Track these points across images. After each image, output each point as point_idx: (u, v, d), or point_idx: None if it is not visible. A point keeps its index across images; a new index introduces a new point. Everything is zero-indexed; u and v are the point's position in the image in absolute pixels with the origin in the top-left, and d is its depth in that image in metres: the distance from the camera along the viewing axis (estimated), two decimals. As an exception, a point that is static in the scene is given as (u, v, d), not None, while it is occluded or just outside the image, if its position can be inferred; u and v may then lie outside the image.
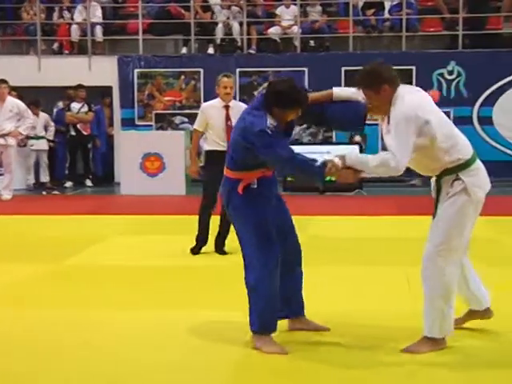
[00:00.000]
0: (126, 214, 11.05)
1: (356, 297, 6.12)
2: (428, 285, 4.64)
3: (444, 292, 4.60)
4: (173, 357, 4.70)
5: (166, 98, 15.05)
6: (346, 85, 14.22)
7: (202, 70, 14.92)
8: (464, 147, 4.66)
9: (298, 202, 12.07)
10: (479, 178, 4.64)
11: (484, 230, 8.69)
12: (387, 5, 15.53)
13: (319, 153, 13.15)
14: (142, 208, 11.54)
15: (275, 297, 4.78)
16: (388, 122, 4.58)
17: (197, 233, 8.01)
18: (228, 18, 15.63)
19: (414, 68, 14.30)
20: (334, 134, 14.19)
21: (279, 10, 15.52)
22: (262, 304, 4.73)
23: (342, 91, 5.02)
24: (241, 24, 15.39)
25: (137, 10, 15.53)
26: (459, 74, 14.34)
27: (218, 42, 15.57)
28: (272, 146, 4.60)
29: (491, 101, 14.25)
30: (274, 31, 15.40)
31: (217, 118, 7.84)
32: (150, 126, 14.93)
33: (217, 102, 7.94)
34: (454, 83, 14.36)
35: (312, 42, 15.37)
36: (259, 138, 4.59)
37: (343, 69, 14.41)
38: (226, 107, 7.87)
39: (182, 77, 15.02)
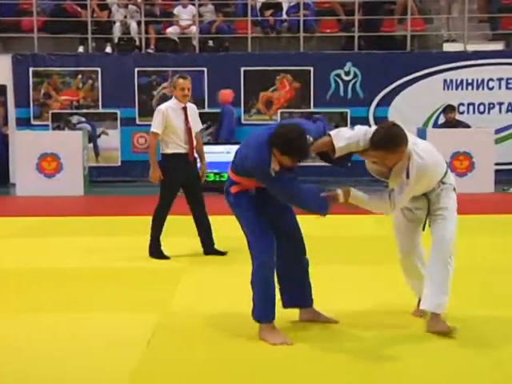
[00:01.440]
0: (21, 215, 10.78)
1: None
2: (445, 271, 5.01)
3: (450, 273, 5.07)
4: (70, 360, 4.63)
5: (63, 98, 14.76)
6: (245, 85, 14.37)
7: (99, 70, 14.70)
8: (442, 161, 5.13)
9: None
10: (453, 179, 5.21)
11: (376, 229, 8.90)
12: (285, 6, 15.67)
13: (219, 152, 13.18)
14: (39, 209, 11.29)
15: (270, 286, 4.97)
16: (407, 176, 4.84)
17: (151, 237, 7.73)
18: (125, 17, 15.46)
19: (311, 69, 14.49)
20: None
21: (177, 10, 15.45)
22: (258, 293, 4.96)
23: (342, 148, 4.97)
24: (139, 23, 15.25)
25: (31, 7, 15.15)
26: (355, 75, 14.61)
27: (116, 41, 15.38)
28: (277, 182, 4.82)
29: (387, 101, 14.57)
30: (172, 31, 15.32)
31: (177, 120, 7.64)
32: (47, 125, 14.60)
33: (174, 104, 7.72)
34: (350, 84, 14.61)
35: (211, 42, 15.36)
36: (264, 175, 4.81)
37: (242, 69, 14.48)
38: (184, 109, 7.71)
39: (79, 76, 14.76)
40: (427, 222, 5.18)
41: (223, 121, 13.70)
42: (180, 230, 9.03)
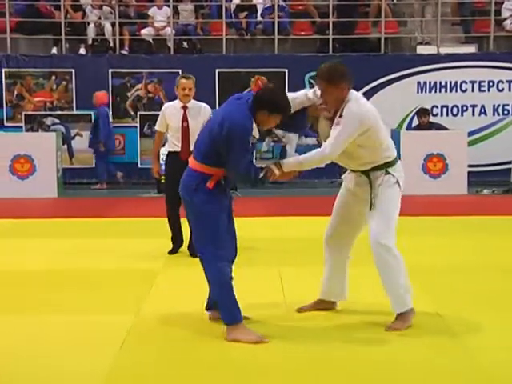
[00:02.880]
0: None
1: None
2: (386, 269, 5.12)
3: (401, 269, 5.13)
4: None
5: (36, 99, 14.66)
6: (220, 86, 14.33)
7: (73, 71, 14.61)
8: (392, 148, 5.25)
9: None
10: (401, 174, 5.27)
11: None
12: (259, 8, 15.69)
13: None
14: (12, 211, 11.19)
15: (232, 289, 4.96)
16: (340, 116, 5.02)
17: (171, 235, 7.97)
18: (100, 18, 15.40)
19: (286, 71, 14.51)
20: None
21: (151, 11, 15.41)
22: (226, 296, 4.94)
23: (292, 97, 5.19)
24: (113, 24, 15.19)
25: (4, 7, 15.04)
26: (330, 77, 14.62)
27: (90, 42, 15.31)
28: (242, 154, 4.82)
29: (361, 103, 14.60)
30: (146, 32, 15.28)
31: (174, 118, 7.84)
32: (20, 127, 14.50)
33: (176, 103, 7.95)
34: (325, 86, 14.63)
35: (185, 44, 15.34)
36: (240, 142, 4.79)
37: (217, 71, 14.47)
38: (184, 108, 7.85)
39: (53, 77, 14.67)
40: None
41: (99, 123, 13.86)
42: (154, 231, 9.03)
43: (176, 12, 15.47)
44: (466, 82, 14.70)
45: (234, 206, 5.26)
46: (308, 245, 8.38)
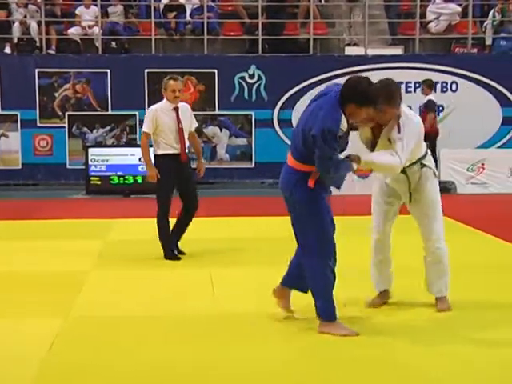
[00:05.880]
0: None
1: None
2: (442, 258, 5.57)
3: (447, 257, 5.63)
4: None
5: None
6: (149, 87, 14.19)
7: (-2, 70, 14.34)
8: (424, 144, 5.53)
9: (101, 204, 11.92)
10: (433, 163, 5.57)
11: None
12: (188, 8, 15.64)
13: (123, 155, 13.14)
14: None
15: (332, 285, 5.05)
16: (399, 131, 5.19)
17: (161, 241, 7.70)
18: (25, 17, 15.12)
19: (215, 71, 14.50)
20: (137, 136, 14.06)
21: (79, 10, 15.21)
22: (323, 292, 5.02)
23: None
24: (39, 23, 14.95)
25: None
26: (260, 78, 14.70)
27: (16, 41, 15.02)
28: (327, 153, 4.77)
29: (290, 104, 14.68)
30: (74, 31, 15.08)
31: (168, 121, 7.64)
32: None
33: (165, 105, 7.72)
34: (254, 87, 14.69)
35: (113, 44, 15.19)
36: (328, 139, 4.73)
37: (146, 71, 14.37)
38: (176, 109, 7.70)
39: (-23, 77, 14.35)
40: (410, 200, 5.52)
41: None
42: (83, 232, 8.93)
43: (105, 12, 15.30)
44: (392, 83, 14.91)
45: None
46: (239, 245, 8.41)
